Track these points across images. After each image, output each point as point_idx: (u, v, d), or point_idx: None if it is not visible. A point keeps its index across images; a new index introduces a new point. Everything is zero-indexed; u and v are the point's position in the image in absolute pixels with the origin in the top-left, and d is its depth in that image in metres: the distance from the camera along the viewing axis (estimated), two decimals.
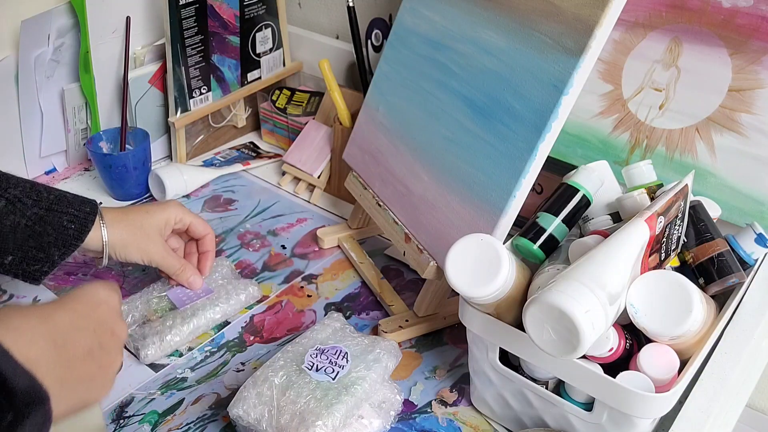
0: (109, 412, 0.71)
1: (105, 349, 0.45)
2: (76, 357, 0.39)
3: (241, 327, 0.82)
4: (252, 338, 0.80)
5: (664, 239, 0.59)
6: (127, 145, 1.04)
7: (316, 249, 0.95)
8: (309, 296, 0.87)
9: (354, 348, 0.68)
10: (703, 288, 0.62)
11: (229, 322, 0.82)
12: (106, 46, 1.01)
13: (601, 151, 0.83)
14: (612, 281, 0.52)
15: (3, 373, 0.33)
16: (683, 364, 0.57)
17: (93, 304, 0.45)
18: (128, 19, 1.01)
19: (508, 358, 0.65)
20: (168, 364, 0.77)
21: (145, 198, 1.05)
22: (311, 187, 1.07)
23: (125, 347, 0.78)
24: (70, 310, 0.43)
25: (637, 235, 0.55)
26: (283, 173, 1.09)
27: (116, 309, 0.48)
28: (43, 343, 0.38)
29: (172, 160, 1.14)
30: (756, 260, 0.67)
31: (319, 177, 1.04)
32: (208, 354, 0.78)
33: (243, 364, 0.77)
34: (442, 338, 0.80)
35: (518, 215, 0.67)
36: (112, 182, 1.03)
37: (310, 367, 0.65)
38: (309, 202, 1.05)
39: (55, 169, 1.10)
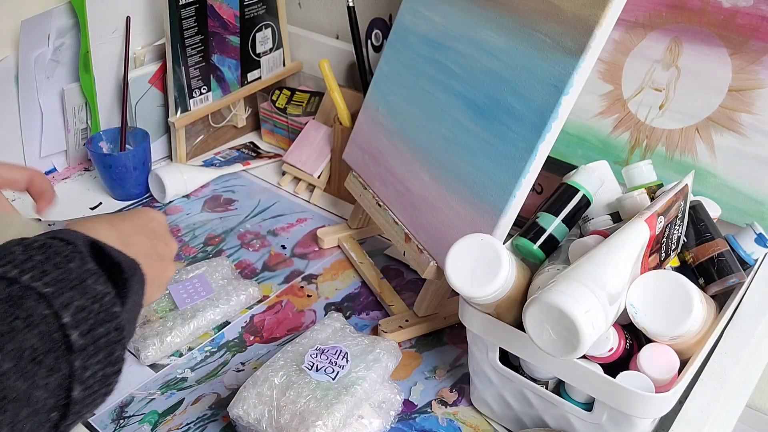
0: (109, 412, 0.71)
1: (160, 255, 0.52)
2: (138, 256, 0.45)
3: (241, 327, 0.82)
4: (252, 338, 0.80)
5: (664, 239, 0.59)
6: (127, 145, 1.04)
7: (316, 249, 0.95)
8: (309, 296, 0.87)
9: (354, 348, 0.68)
10: (703, 288, 0.62)
11: (229, 323, 0.82)
12: (106, 46, 1.01)
13: (601, 151, 0.83)
14: (612, 281, 0.52)
15: (103, 248, 0.42)
16: (683, 364, 0.57)
17: (147, 218, 0.53)
18: (128, 19, 1.01)
19: (508, 358, 0.65)
20: (168, 364, 0.77)
21: (144, 198, 1.05)
22: (311, 187, 1.07)
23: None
24: (130, 221, 0.51)
25: (637, 235, 0.55)
26: (283, 173, 1.09)
27: (166, 226, 0.56)
28: (116, 241, 0.45)
29: (172, 160, 1.14)
30: (756, 260, 0.67)
31: (319, 177, 1.04)
32: (208, 354, 0.78)
33: (243, 364, 0.77)
34: (442, 338, 0.80)
35: (518, 215, 0.67)
36: (112, 182, 1.03)
37: (310, 367, 0.65)
38: (309, 202, 1.05)
39: (55, 169, 1.10)
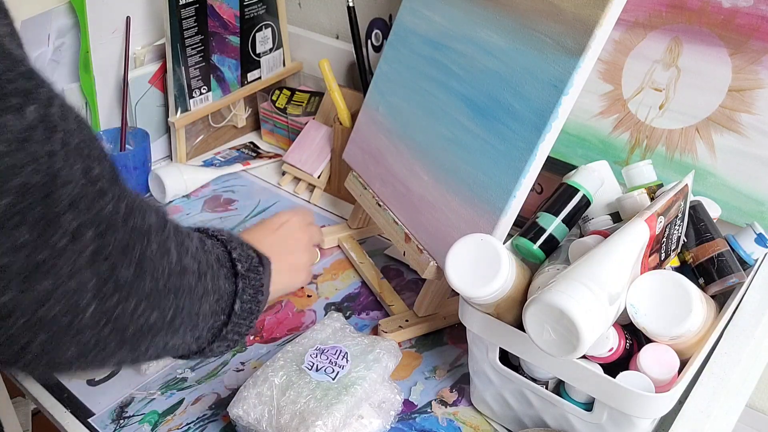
0: (109, 412, 0.71)
1: (293, 253, 0.70)
2: (280, 267, 0.63)
3: None
4: (252, 338, 0.80)
5: (664, 239, 0.59)
6: (127, 145, 1.04)
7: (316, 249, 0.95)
8: (309, 296, 0.87)
9: (354, 348, 0.68)
10: (703, 288, 0.62)
11: None
12: (106, 46, 1.01)
13: (601, 151, 0.83)
14: (612, 281, 0.52)
15: (249, 245, 0.58)
16: (683, 364, 0.57)
17: (278, 224, 0.70)
18: (128, 19, 1.01)
19: (508, 358, 0.65)
20: (168, 364, 0.77)
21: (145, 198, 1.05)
22: (311, 187, 1.07)
23: None
24: (268, 232, 0.69)
25: (637, 235, 0.55)
26: (283, 173, 1.09)
27: (299, 223, 0.72)
28: (265, 249, 0.61)
29: (172, 160, 1.14)
30: (756, 260, 0.67)
31: (319, 177, 1.04)
32: None
33: (243, 364, 0.77)
34: (442, 338, 0.80)
35: (518, 215, 0.67)
36: None
37: (310, 367, 0.65)
38: (309, 202, 1.05)
39: None
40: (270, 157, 1.15)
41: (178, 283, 0.45)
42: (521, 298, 0.60)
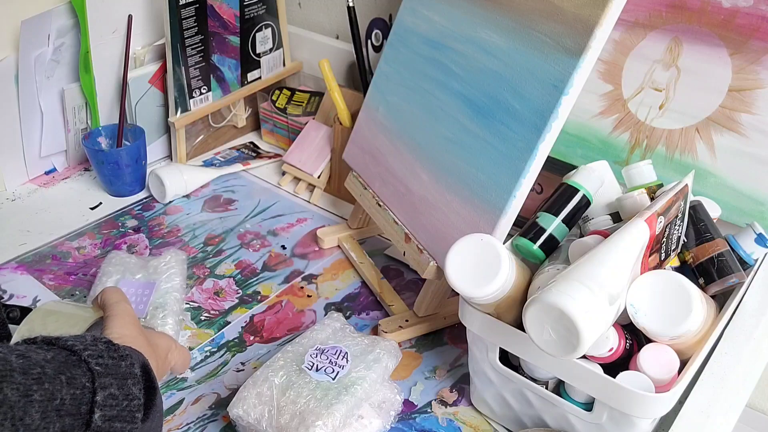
0: None
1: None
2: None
3: (241, 327, 0.82)
4: (252, 338, 0.80)
5: (664, 239, 0.59)
6: (125, 141, 1.04)
7: (316, 249, 0.95)
8: (309, 296, 0.87)
9: (354, 348, 0.68)
10: (703, 288, 0.62)
11: (229, 322, 0.82)
12: (106, 46, 1.01)
13: (601, 151, 0.83)
14: (612, 281, 0.52)
15: (149, 371, 0.49)
16: (683, 364, 0.57)
17: (167, 350, 0.63)
18: (130, 17, 1.01)
19: (508, 358, 0.65)
20: None
21: (145, 198, 1.05)
22: (311, 187, 1.07)
23: None
24: (161, 348, 0.62)
25: (637, 235, 0.55)
26: (283, 173, 1.09)
27: (169, 363, 0.64)
28: (154, 365, 0.54)
29: (172, 160, 1.14)
30: (756, 260, 0.67)
31: (319, 177, 1.04)
32: (208, 354, 0.78)
33: (243, 364, 0.77)
34: (442, 338, 0.80)
35: (518, 215, 0.67)
36: (104, 178, 1.03)
37: (310, 367, 0.65)
38: (309, 202, 1.05)
39: (55, 169, 1.10)
40: (270, 157, 1.15)
41: None
42: (521, 298, 0.60)
